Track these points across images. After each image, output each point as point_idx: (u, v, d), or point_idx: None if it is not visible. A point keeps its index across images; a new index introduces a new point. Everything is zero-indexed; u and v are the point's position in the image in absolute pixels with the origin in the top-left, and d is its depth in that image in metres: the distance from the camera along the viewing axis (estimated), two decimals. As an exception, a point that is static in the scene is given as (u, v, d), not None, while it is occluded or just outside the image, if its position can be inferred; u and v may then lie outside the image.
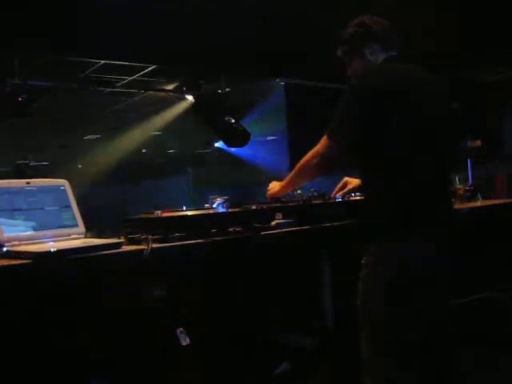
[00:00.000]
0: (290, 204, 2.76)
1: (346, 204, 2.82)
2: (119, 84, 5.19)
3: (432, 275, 2.12)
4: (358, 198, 2.85)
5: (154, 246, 2.06)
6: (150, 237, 2.10)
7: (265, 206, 2.61)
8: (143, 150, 6.11)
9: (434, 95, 2.25)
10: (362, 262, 2.15)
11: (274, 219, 2.51)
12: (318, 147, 2.25)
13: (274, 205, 2.68)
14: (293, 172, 2.45)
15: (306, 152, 2.29)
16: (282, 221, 2.52)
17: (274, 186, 2.71)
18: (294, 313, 2.65)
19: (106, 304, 2.10)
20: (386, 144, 2.09)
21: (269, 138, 5.43)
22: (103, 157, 6.75)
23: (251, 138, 4.10)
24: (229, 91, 4.26)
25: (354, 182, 2.75)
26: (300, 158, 2.33)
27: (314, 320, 2.73)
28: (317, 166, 2.27)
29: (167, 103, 5.28)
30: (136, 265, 2.04)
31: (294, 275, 2.64)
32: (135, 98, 5.43)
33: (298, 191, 2.74)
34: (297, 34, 4.58)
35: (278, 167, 5.24)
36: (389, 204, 2.13)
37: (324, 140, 2.22)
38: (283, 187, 2.63)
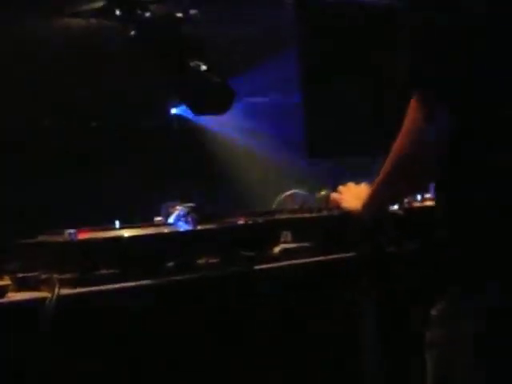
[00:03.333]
0: (307, 215, 2.38)
1: (406, 215, 2.40)
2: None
3: None
4: (429, 204, 2.48)
5: (64, 292, 1.78)
6: (55, 276, 1.82)
7: (261, 220, 2.24)
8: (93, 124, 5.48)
9: None
10: (432, 313, 1.82)
11: (277, 243, 2.17)
12: (406, 123, 1.82)
13: (279, 217, 2.32)
14: (379, 178, 1.99)
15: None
16: (291, 245, 2.19)
17: (348, 198, 2.27)
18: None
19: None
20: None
21: (269, 99, 4.99)
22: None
23: (237, 98, 3.51)
24: (196, 14, 3.96)
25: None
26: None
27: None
28: (412, 151, 1.83)
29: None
30: (31, 327, 1.72)
31: (313, 335, 2.27)
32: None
33: (323, 192, 2.35)
34: None
35: (287, 149, 4.74)
36: (480, 214, 1.77)
37: (412, 105, 1.80)
38: (367, 204, 2.13)
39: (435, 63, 1.76)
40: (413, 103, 1.76)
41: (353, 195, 2.28)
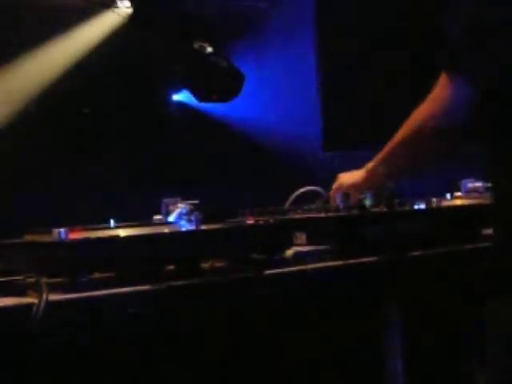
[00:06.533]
0: (324, 215, 2.35)
1: (436, 214, 2.36)
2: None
3: None
4: (467, 202, 2.48)
5: (53, 298, 1.73)
6: (44, 280, 1.77)
7: (273, 220, 2.18)
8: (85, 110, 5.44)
9: None
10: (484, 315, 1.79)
11: (290, 245, 2.13)
12: (434, 93, 1.87)
13: (293, 217, 2.31)
14: (390, 144, 2.04)
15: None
16: (305, 248, 2.15)
17: (351, 176, 2.33)
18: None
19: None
20: None
21: (282, 84, 4.91)
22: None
23: (245, 84, 3.57)
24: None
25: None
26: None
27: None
28: (435, 126, 1.87)
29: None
30: (15, 337, 1.69)
31: (328, 346, 2.22)
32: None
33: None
34: None
35: (302, 140, 4.65)
36: None
37: (443, 80, 1.82)
38: (372, 173, 2.19)
39: (478, 50, 1.73)
40: (444, 80, 1.77)
41: (350, 175, 2.33)
